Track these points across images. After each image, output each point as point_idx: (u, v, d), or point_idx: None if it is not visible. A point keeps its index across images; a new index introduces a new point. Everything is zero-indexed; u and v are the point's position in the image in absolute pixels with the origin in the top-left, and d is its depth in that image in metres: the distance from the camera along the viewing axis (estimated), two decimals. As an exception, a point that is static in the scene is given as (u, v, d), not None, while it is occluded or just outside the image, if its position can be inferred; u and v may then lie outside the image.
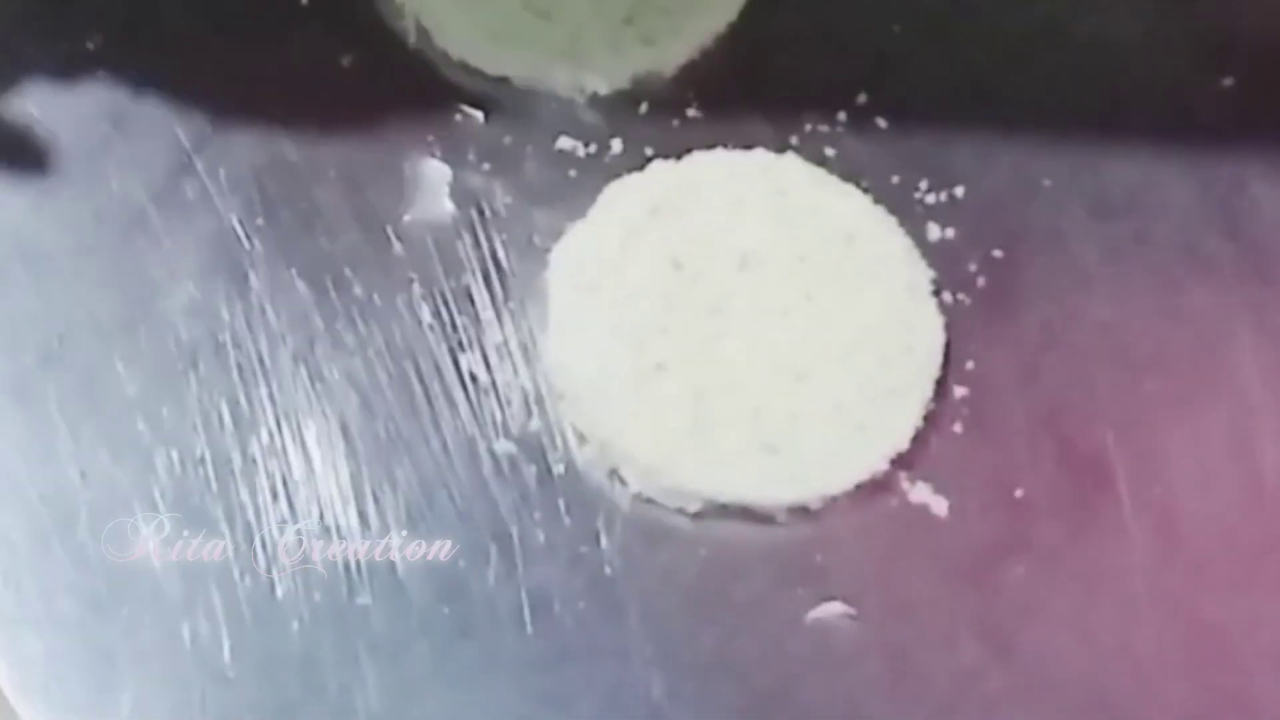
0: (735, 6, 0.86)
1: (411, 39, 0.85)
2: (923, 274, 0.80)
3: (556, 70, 0.83)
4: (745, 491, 0.76)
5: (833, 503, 0.76)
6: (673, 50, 0.84)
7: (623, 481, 0.76)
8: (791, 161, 0.82)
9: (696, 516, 0.76)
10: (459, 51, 0.84)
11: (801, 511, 0.76)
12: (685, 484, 0.75)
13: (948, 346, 0.79)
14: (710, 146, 0.82)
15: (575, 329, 0.78)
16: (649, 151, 0.82)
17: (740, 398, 0.77)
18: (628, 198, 0.80)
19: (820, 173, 0.82)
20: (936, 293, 0.80)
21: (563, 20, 0.84)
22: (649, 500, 0.76)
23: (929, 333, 0.79)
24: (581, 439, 0.77)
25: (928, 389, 0.78)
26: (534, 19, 0.84)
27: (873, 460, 0.76)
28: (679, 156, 0.81)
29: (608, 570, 0.75)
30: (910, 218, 0.81)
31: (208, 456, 0.75)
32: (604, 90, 0.84)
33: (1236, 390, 0.79)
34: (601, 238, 0.79)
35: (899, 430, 0.77)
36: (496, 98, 0.83)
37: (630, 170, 0.81)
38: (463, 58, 0.84)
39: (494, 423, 0.77)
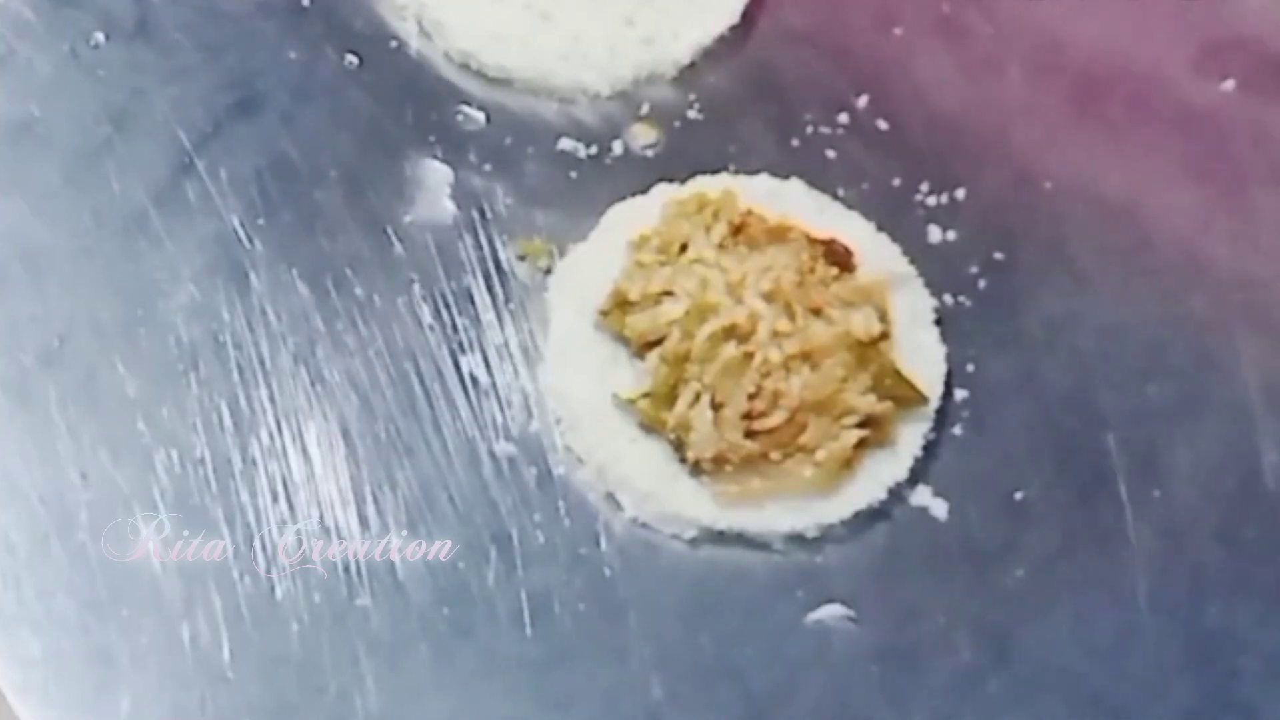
0: (736, 8, 0.86)
1: (413, 40, 0.85)
2: (925, 301, 0.79)
3: (557, 71, 0.83)
4: (742, 520, 0.75)
5: (829, 529, 0.76)
6: (673, 52, 0.84)
7: (619, 506, 0.76)
8: (795, 187, 0.81)
9: (693, 542, 0.76)
10: (460, 52, 0.84)
11: (798, 539, 0.76)
12: (681, 511, 0.75)
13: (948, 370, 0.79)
14: (710, 149, 0.82)
15: (575, 352, 0.78)
16: (649, 154, 0.82)
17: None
18: (631, 220, 0.79)
19: (824, 199, 0.81)
20: (938, 321, 0.79)
21: (564, 22, 0.84)
22: (644, 525, 0.76)
23: (930, 363, 0.78)
24: (579, 461, 0.76)
25: (928, 420, 0.77)
26: (535, 20, 0.84)
27: (870, 490, 0.76)
28: (682, 181, 0.81)
29: (607, 572, 0.75)
30: (911, 220, 0.82)
31: (208, 457, 0.75)
32: (605, 91, 0.84)
33: (1235, 393, 0.79)
34: (603, 261, 0.79)
35: (898, 461, 0.77)
36: (498, 99, 0.83)
37: (630, 175, 0.81)
38: (464, 59, 0.84)
39: (494, 424, 0.77)
